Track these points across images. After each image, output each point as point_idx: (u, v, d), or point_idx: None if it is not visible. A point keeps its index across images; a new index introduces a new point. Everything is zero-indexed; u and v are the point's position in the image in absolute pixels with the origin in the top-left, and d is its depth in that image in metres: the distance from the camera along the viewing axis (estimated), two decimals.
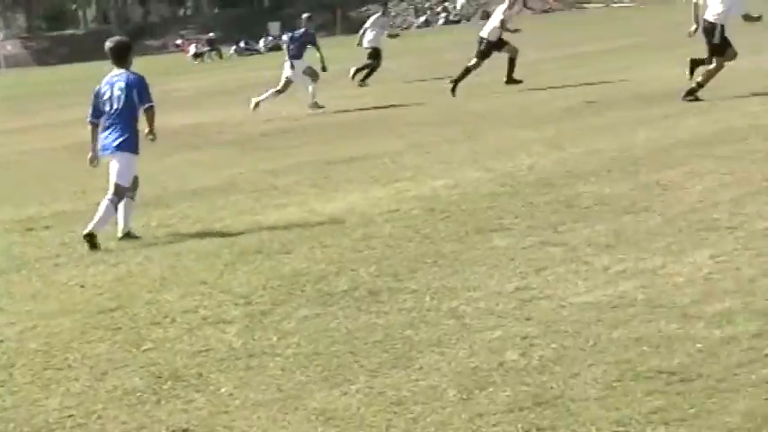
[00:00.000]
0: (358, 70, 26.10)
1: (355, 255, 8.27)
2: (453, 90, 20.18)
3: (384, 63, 26.18)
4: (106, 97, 9.68)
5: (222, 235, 9.44)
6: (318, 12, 60.51)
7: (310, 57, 21.05)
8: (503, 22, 20.33)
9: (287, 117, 20.01)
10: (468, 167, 11.93)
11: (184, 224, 10.30)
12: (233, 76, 38.32)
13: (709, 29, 15.38)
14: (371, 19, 26.78)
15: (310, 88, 20.58)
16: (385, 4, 28.38)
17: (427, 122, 17.01)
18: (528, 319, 6.16)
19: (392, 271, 7.65)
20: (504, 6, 20.71)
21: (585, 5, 68.95)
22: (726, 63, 15.47)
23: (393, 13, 62.52)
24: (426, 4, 78.30)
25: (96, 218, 9.43)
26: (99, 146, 9.77)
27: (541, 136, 13.76)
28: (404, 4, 78.60)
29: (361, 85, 25.50)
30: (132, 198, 9.81)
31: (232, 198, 11.54)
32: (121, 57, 9.90)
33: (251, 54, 65.27)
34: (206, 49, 65.58)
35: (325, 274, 7.69)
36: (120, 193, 9.56)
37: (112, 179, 9.60)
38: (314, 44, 21.21)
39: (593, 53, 28.45)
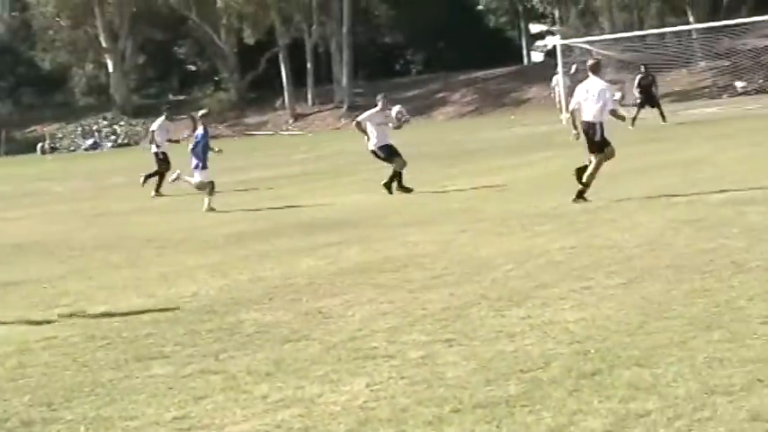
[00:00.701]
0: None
1: (9, 384, 7.93)
2: None
3: (50, 185, 25.62)
4: None
5: None
6: None
7: None
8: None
9: None
10: (132, 293, 11.73)
11: None
12: None
13: (590, 128, 16.45)
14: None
15: None
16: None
17: (91, 247, 16.65)
18: None
19: (47, 400, 7.38)
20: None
21: (254, 133, 69.96)
22: (606, 160, 16.41)
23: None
24: (95, 127, 77.25)
25: None
26: None
27: (207, 262, 13.74)
28: (71, 126, 77.23)
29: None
30: None
31: None
32: None
33: None
34: None
35: None
36: None
37: None
38: None
39: (262, 179, 28.81)
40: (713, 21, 54.46)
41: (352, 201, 20.49)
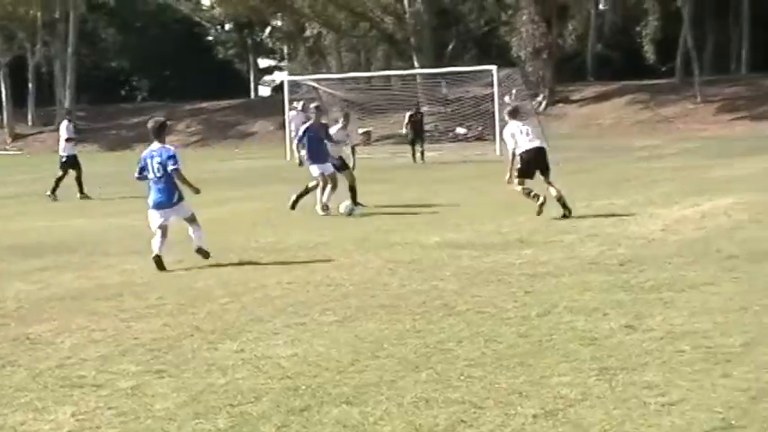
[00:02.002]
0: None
1: None
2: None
3: None
4: None
5: None
6: None
7: None
8: None
9: None
10: None
11: None
12: None
13: (542, 154, 18.09)
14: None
15: None
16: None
17: None
18: None
19: None
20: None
21: None
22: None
23: None
24: None
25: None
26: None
27: None
28: None
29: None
30: None
31: None
32: None
33: None
34: None
35: None
36: None
37: None
38: None
39: None
40: (437, 67, 56.23)
41: (72, 225, 19.98)
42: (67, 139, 27.43)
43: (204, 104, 71.03)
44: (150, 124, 14.47)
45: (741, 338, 8.52)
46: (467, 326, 9.44)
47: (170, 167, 13.93)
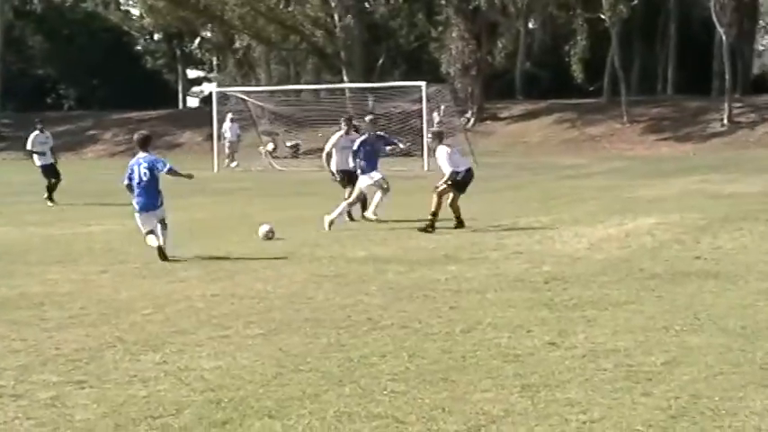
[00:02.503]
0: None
1: None
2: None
3: None
4: None
5: None
6: None
7: None
8: None
9: None
10: None
11: None
12: None
13: (472, 173, 19.18)
14: None
15: None
16: None
17: None
18: None
19: None
20: None
21: None
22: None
23: None
24: None
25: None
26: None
27: None
28: None
29: None
30: None
31: None
32: None
33: None
34: None
35: None
36: None
37: None
38: None
39: None
40: (367, 82, 56.29)
41: None
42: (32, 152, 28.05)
43: (132, 114, 70.42)
44: (136, 137, 16.14)
45: (662, 357, 8.61)
46: (391, 340, 9.44)
47: (163, 169, 15.54)
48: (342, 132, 21.29)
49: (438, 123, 43.77)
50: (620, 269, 13.58)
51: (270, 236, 17.62)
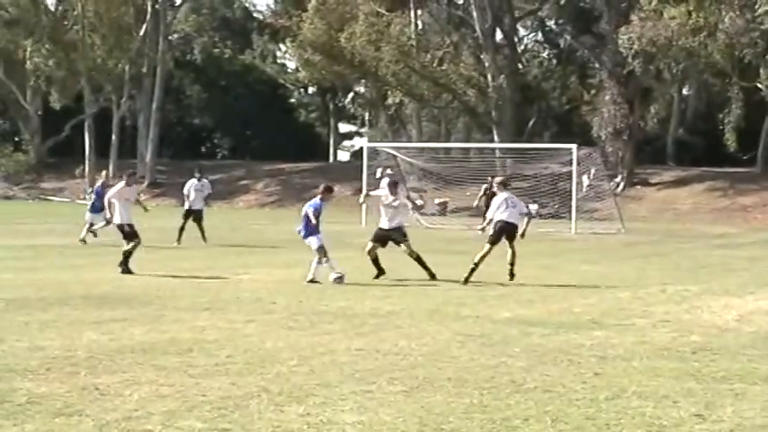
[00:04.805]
0: None
1: None
2: None
3: None
4: None
5: None
6: None
7: None
8: None
9: None
10: None
11: None
12: None
13: (513, 227, 20.23)
14: None
15: None
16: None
17: None
18: None
19: None
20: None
21: (51, 198, 68.45)
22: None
23: None
24: None
25: None
26: None
27: None
28: None
29: None
30: None
31: None
32: None
33: None
34: None
35: None
36: None
37: None
38: None
39: (53, 246, 28.15)
40: (517, 142, 56.28)
41: (145, 278, 20.14)
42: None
43: (283, 165, 71.68)
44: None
45: None
46: (534, 404, 9.36)
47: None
48: (385, 192, 21.59)
49: (587, 187, 43.50)
50: None
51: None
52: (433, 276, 20.53)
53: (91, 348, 11.86)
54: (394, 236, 20.93)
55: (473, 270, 19.93)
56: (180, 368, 10.82)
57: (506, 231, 20.22)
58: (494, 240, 20.20)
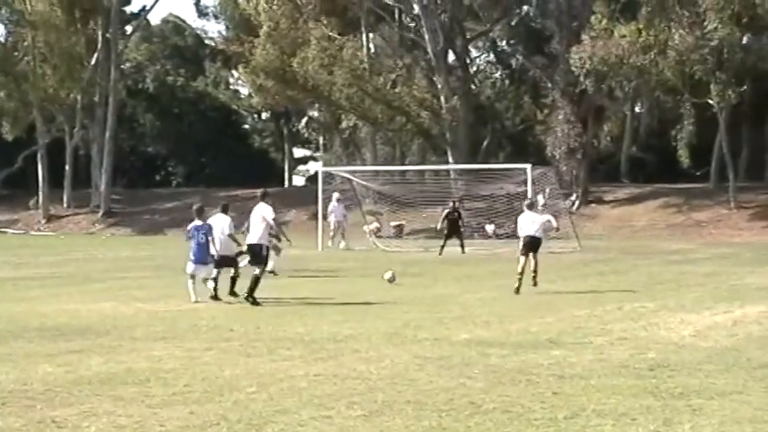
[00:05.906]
0: None
1: None
2: None
3: None
4: None
5: None
6: None
7: None
8: None
9: None
10: None
11: None
12: None
13: (535, 240, 23.32)
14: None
15: None
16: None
17: None
18: None
19: None
20: None
21: (4, 230, 67.85)
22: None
23: None
24: None
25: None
26: None
27: None
28: None
29: None
30: None
31: None
32: None
33: None
34: None
35: None
36: None
37: None
38: None
39: (7, 279, 27.88)
40: (472, 163, 56.45)
41: (101, 308, 20.01)
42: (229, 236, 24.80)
43: (239, 192, 71.46)
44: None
45: None
46: (493, 425, 9.38)
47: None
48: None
49: (543, 206, 43.66)
50: (727, 358, 13.34)
51: (392, 280, 22.35)
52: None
53: (47, 381, 11.76)
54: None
55: (520, 279, 22.49)
56: (138, 398, 10.76)
57: (531, 245, 23.26)
58: (524, 252, 23.21)
